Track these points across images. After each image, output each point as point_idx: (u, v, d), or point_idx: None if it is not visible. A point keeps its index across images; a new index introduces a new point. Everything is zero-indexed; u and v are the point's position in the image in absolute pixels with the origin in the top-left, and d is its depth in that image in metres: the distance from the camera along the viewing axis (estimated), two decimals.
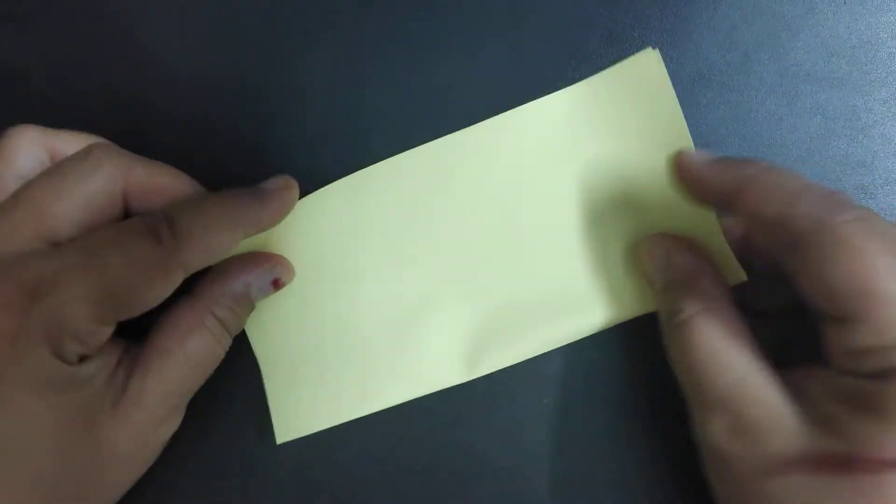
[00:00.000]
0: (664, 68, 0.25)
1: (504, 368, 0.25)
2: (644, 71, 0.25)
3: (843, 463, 0.19)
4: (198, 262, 0.22)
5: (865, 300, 0.19)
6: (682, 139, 0.25)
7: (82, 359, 0.20)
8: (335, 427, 0.25)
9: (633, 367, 0.26)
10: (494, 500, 0.26)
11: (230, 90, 0.26)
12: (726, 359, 0.21)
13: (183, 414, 0.23)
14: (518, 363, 0.25)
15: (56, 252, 0.20)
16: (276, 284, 0.25)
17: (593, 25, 0.26)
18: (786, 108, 0.26)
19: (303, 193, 0.25)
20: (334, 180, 0.26)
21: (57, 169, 0.22)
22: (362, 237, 0.26)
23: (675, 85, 0.26)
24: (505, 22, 0.26)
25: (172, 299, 0.22)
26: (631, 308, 0.25)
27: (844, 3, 0.26)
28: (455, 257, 0.26)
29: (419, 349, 0.25)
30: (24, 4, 0.27)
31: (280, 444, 0.25)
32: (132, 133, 0.25)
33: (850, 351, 0.19)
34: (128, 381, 0.21)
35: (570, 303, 0.25)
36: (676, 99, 0.25)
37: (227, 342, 0.23)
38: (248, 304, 0.24)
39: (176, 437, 0.23)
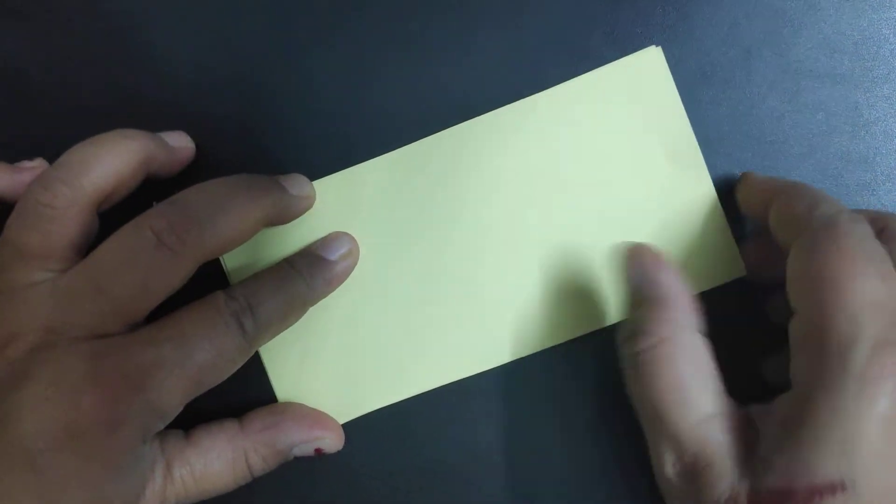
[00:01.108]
0: (666, 65, 0.25)
1: (502, 366, 0.26)
2: (646, 68, 0.25)
3: (782, 498, 0.18)
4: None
5: (819, 293, 0.19)
6: (685, 136, 0.25)
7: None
8: None
9: None
10: (494, 497, 0.26)
11: (230, 89, 0.26)
12: (691, 396, 0.20)
13: None
14: (516, 360, 0.26)
15: (150, 340, 0.20)
16: (318, 452, 0.25)
17: (595, 22, 0.26)
18: (787, 104, 0.26)
19: None
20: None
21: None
22: (362, 232, 0.26)
23: (676, 82, 0.26)
24: (506, 18, 0.26)
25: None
26: None
27: None
28: (456, 252, 0.26)
29: (422, 346, 0.26)
30: (24, 4, 0.26)
31: None
32: None
33: (792, 345, 0.19)
34: (153, 466, 0.22)
35: (574, 296, 0.25)
36: (678, 96, 0.25)
37: (245, 481, 0.24)
38: (283, 459, 0.24)
39: None
